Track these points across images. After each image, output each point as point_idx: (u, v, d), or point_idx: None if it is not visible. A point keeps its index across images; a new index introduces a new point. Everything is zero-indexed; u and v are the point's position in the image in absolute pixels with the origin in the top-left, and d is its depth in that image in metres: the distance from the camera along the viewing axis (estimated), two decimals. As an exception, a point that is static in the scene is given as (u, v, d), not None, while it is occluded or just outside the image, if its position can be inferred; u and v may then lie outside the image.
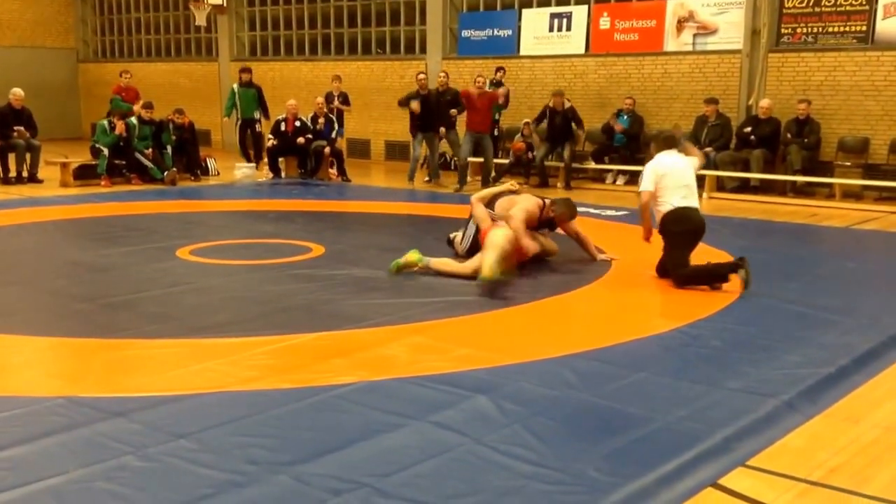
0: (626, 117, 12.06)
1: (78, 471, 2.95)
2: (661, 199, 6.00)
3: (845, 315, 5.10)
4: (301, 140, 12.15)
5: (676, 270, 5.94)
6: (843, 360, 4.22)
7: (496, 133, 12.91)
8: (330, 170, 12.48)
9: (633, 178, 11.50)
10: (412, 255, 6.12)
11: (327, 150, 12.20)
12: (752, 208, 9.93)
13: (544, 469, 2.99)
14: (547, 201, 6.67)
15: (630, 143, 12.01)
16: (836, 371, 4.08)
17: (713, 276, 5.88)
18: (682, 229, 5.96)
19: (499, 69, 12.83)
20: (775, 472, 3.05)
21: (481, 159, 11.69)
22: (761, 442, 3.28)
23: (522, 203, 6.55)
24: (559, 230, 6.83)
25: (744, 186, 10.93)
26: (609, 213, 9.24)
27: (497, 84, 12.58)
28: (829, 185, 10.60)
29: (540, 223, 6.62)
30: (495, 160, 12.65)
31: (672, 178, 5.97)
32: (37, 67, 18.86)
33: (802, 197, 10.60)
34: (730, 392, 3.78)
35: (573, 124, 11.84)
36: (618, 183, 12.01)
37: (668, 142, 6.31)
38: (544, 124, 12.01)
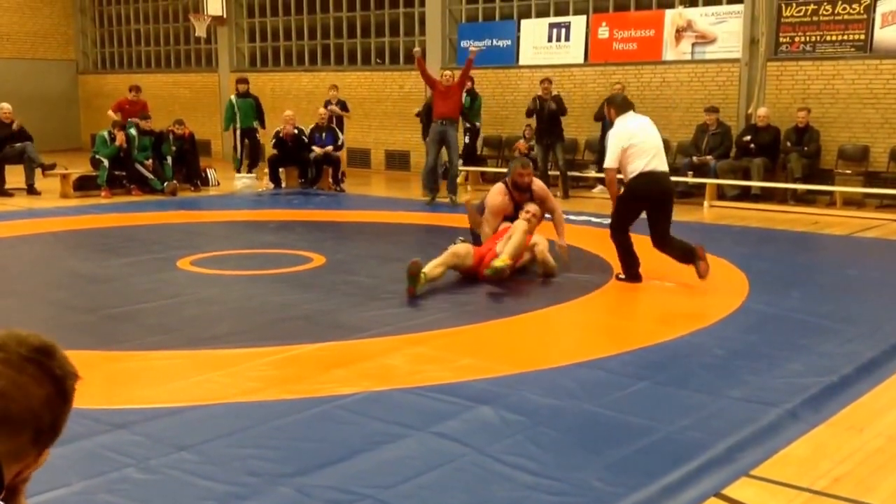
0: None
1: (80, 483, 2.93)
2: (628, 168, 6.00)
3: (847, 323, 5.09)
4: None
5: (613, 231, 6.16)
6: (845, 369, 4.20)
7: (467, 139, 12.87)
8: (330, 180, 12.50)
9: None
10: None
11: (329, 148, 12.19)
12: (752, 216, 9.93)
13: (547, 479, 2.97)
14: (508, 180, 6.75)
15: None
16: (838, 380, 4.06)
17: (627, 267, 6.10)
18: (644, 195, 5.98)
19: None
20: (779, 481, 3.03)
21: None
22: (765, 451, 3.26)
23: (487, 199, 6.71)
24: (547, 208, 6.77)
25: (744, 195, 10.94)
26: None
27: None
28: (830, 193, 10.61)
29: (515, 201, 6.59)
30: (481, 169, 12.62)
31: (637, 144, 5.93)
32: (37, 79, 18.92)
33: (803, 205, 10.60)
34: (732, 401, 3.77)
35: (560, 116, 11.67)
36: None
37: (626, 104, 6.26)
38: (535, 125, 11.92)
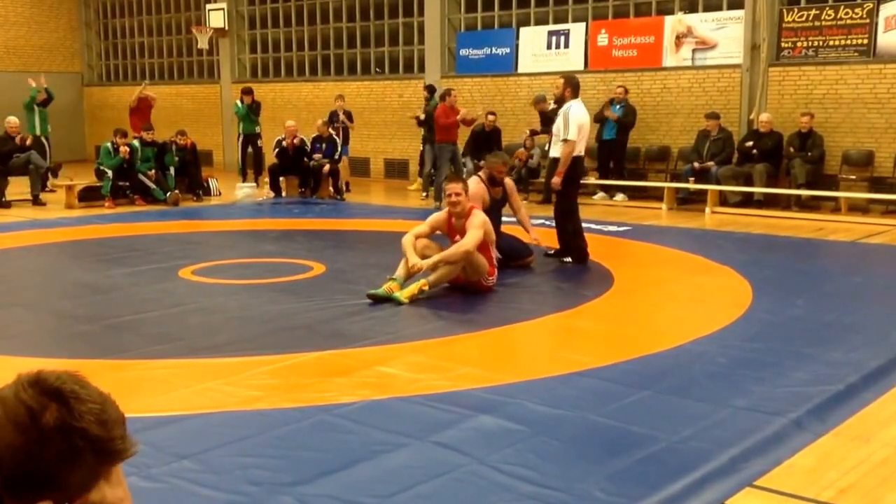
0: (619, 107, 11.89)
1: (77, 495, 2.91)
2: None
3: (853, 331, 5.04)
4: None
5: (565, 217, 6.98)
6: (851, 378, 4.15)
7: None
8: (330, 188, 12.50)
9: (629, 192, 11.48)
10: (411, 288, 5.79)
11: (326, 167, 12.22)
12: (755, 223, 9.88)
13: (547, 489, 2.95)
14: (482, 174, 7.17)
15: (618, 144, 11.88)
16: (844, 388, 4.01)
17: (565, 247, 6.94)
18: (576, 176, 6.98)
19: (428, 87, 12.96)
20: (784, 492, 2.99)
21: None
22: (769, 461, 3.23)
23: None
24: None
25: (747, 201, 10.88)
26: (611, 228, 9.21)
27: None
28: (835, 199, 10.55)
29: (490, 195, 6.91)
30: None
31: (583, 129, 6.79)
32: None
33: (807, 211, 10.55)
34: (736, 410, 3.73)
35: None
36: (616, 199, 11.95)
37: (579, 89, 7.04)
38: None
